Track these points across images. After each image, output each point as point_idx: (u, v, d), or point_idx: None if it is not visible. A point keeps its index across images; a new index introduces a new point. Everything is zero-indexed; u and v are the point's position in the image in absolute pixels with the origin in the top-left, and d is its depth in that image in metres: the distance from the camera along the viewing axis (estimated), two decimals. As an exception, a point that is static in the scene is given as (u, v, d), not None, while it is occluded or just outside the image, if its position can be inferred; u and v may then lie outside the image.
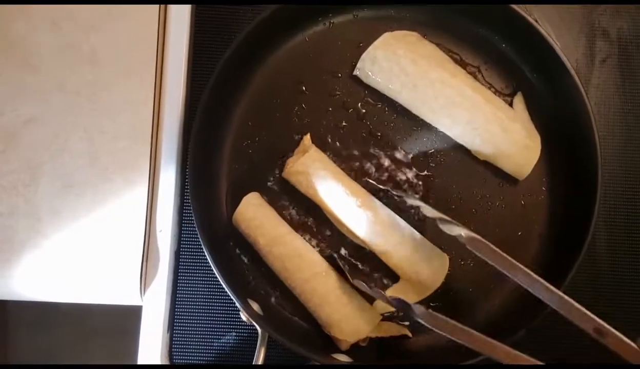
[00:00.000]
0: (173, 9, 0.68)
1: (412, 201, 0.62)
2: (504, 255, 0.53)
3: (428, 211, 0.59)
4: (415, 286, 0.61)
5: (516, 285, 0.53)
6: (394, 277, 0.62)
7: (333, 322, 0.59)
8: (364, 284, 0.58)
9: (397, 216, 0.62)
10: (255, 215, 0.62)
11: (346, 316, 0.59)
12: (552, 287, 0.51)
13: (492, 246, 0.53)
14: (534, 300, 0.52)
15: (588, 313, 0.50)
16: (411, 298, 0.60)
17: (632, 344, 0.48)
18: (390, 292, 0.61)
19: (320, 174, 0.61)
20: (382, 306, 0.61)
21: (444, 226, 0.57)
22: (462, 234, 0.54)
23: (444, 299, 0.62)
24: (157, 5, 0.66)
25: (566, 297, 0.51)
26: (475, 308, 0.63)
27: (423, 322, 0.52)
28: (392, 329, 0.61)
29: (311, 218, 0.64)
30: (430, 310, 0.52)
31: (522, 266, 0.52)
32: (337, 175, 0.62)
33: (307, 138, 0.64)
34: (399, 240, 0.61)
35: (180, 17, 0.68)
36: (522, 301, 0.61)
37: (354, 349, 0.60)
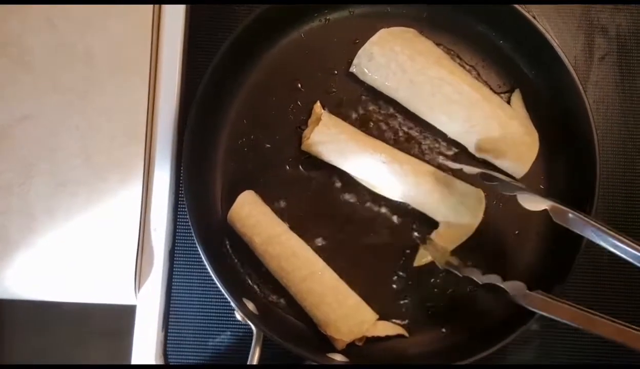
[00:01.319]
0: (167, 8, 0.67)
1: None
2: (595, 223, 0.51)
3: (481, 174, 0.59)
4: (458, 227, 0.61)
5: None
6: (431, 224, 0.62)
7: (329, 321, 0.58)
8: (457, 265, 0.58)
9: (425, 164, 0.62)
10: (251, 213, 0.61)
11: (342, 316, 0.58)
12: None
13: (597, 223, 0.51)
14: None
15: None
16: (456, 239, 0.61)
17: None
18: (434, 236, 0.61)
19: (340, 139, 0.61)
20: (423, 254, 0.61)
21: (523, 197, 0.54)
22: (549, 207, 0.52)
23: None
24: (152, 5, 0.66)
25: None
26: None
27: (530, 307, 0.52)
28: (389, 329, 0.60)
29: (309, 216, 0.63)
30: (541, 295, 0.52)
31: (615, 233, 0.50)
32: (356, 135, 0.62)
33: (317, 105, 0.63)
34: (430, 186, 0.60)
35: (175, 15, 0.67)
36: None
37: (350, 348, 0.59)
